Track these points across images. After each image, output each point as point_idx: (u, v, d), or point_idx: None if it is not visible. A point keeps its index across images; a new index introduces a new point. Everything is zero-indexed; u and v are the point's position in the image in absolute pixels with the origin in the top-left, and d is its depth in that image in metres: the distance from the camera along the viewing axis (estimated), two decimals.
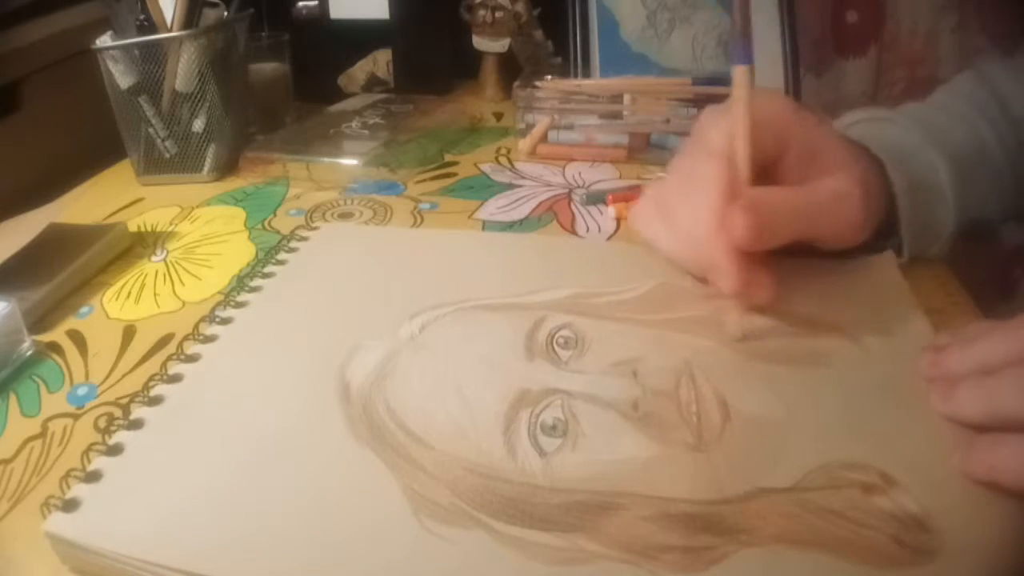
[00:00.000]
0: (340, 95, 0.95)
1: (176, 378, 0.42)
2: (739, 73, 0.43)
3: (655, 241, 0.49)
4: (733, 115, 0.44)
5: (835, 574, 0.30)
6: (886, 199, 0.48)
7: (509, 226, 0.61)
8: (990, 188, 0.51)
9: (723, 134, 0.45)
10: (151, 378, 0.44)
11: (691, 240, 0.46)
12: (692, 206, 0.45)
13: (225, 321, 0.47)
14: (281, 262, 0.54)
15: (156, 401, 0.40)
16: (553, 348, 0.42)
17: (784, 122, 0.46)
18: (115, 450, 0.36)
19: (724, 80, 0.75)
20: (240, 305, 0.48)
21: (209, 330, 0.46)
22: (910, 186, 0.48)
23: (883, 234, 0.49)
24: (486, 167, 0.75)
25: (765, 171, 0.45)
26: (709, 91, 0.75)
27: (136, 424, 0.38)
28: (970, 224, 0.51)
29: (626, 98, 0.76)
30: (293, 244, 0.56)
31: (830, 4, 0.93)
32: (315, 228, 0.60)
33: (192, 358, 0.43)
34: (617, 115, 0.76)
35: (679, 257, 0.48)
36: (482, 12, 0.93)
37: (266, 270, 0.53)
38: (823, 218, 0.45)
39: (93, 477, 0.35)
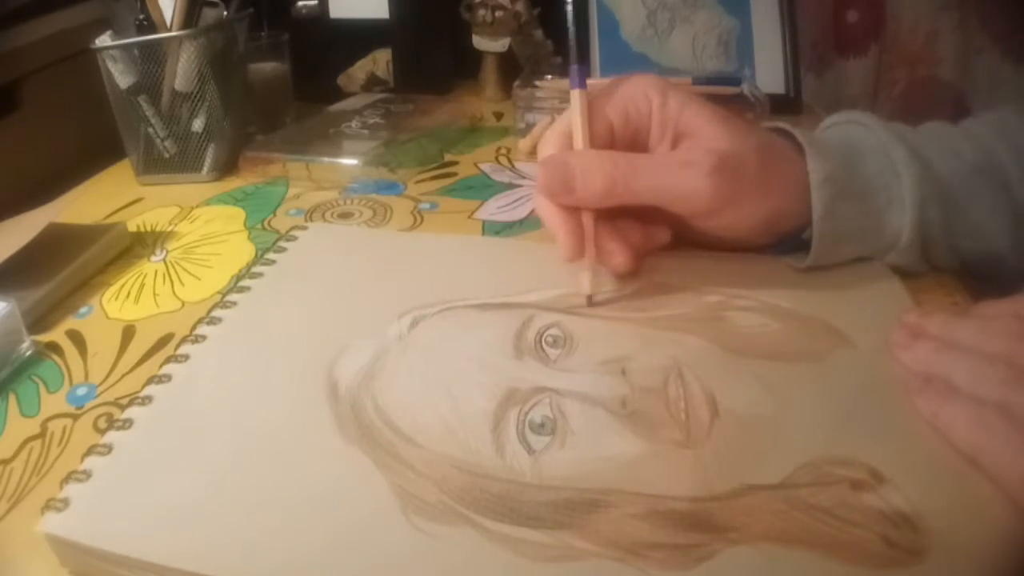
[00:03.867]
0: (340, 95, 0.95)
1: (165, 378, 0.42)
2: (575, 96, 0.47)
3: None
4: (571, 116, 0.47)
5: (823, 573, 0.30)
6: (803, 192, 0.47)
7: (509, 226, 0.61)
8: (994, 215, 0.48)
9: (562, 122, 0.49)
10: (151, 379, 0.44)
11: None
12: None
13: (214, 321, 0.47)
14: (270, 262, 0.54)
15: (145, 401, 0.40)
16: (542, 347, 0.42)
17: (644, 105, 0.47)
18: (104, 449, 0.37)
19: (725, 79, 0.76)
20: (229, 305, 0.49)
21: (199, 330, 0.46)
22: (830, 179, 0.46)
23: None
24: (486, 167, 0.75)
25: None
26: (709, 90, 0.75)
27: (125, 424, 0.38)
28: (971, 254, 0.49)
29: None
30: (282, 244, 0.56)
31: (830, 4, 0.93)
32: (304, 228, 0.60)
33: (181, 358, 0.44)
34: None
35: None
36: (482, 12, 0.93)
37: (255, 270, 0.53)
38: (654, 177, 0.45)
39: (82, 476, 0.35)
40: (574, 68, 0.48)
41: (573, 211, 0.46)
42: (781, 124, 0.50)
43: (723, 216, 0.46)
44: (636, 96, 0.47)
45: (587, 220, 0.46)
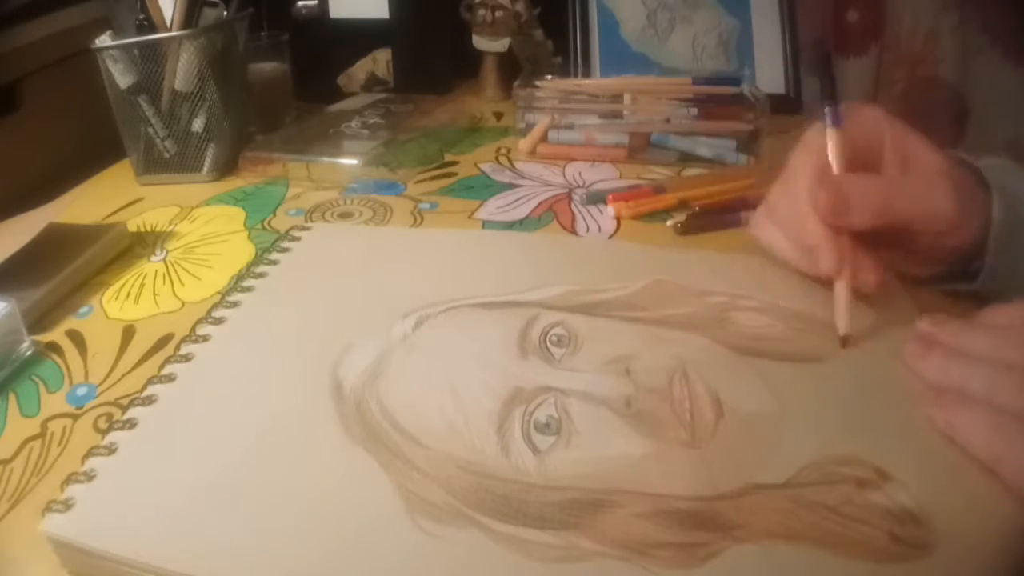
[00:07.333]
0: (340, 95, 0.95)
1: (169, 378, 0.42)
2: (831, 135, 0.48)
3: (769, 244, 0.51)
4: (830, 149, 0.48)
5: (829, 569, 0.30)
6: (984, 222, 0.47)
7: (509, 226, 0.61)
8: None
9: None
10: (151, 379, 0.44)
11: (792, 227, 0.48)
12: (790, 195, 0.48)
13: (218, 321, 0.47)
14: (274, 262, 0.54)
15: (149, 401, 0.40)
16: (546, 346, 0.42)
17: (874, 132, 0.48)
18: (108, 450, 0.37)
19: (725, 79, 0.76)
20: (233, 305, 0.49)
21: (202, 330, 0.46)
22: (1008, 215, 0.47)
23: (975, 257, 0.48)
24: (486, 167, 0.75)
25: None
26: (709, 90, 0.75)
27: (129, 424, 0.38)
28: None
29: (626, 98, 0.76)
30: (286, 244, 0.56)
31: (831, 4, 0.93)
32: (307, 228, 0.60)
33: (185, 358, 0.43)
34: (617, 115, 0.76)
35: (788, 252, 0.49)
36: (482, 12, 0.93)
37: (259, 270, 0.53)
38: (910, 198, 0.46)
39: (87, 477, 0.35)
40: (828, 109, 0.48)
41: (838, 229, 0.46)
42: (961, 154, 0.51)
43: (955, 235, 0.47)
44: (868, 126, 0.49)
45: (847, 241, 0.45)
